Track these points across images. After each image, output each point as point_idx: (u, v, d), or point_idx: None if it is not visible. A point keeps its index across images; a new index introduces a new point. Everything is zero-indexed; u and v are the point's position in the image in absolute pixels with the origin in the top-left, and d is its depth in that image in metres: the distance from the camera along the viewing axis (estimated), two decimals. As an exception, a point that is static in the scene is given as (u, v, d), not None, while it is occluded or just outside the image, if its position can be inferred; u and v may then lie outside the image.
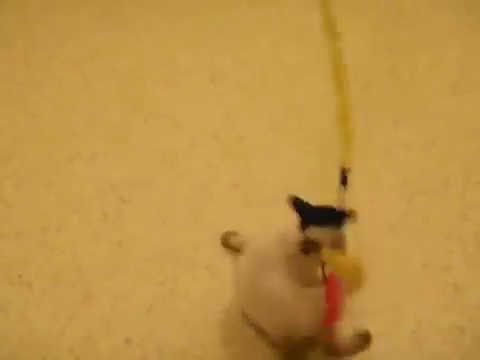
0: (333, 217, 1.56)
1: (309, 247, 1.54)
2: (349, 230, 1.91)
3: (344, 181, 1.57)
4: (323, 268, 1.58)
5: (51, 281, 1.88)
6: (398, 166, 2.13)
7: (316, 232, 1.54)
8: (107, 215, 2.03)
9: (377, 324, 1.76)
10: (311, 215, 1.56)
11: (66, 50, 2.56)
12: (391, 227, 1.97)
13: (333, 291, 1.59)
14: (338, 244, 1.58)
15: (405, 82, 2.36)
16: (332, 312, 1.59)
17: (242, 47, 2.55)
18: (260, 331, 1.71)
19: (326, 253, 1.55)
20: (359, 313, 1.77)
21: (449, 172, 2.09)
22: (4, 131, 2.29)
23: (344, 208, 1.57)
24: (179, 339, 1.75)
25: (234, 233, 1.91)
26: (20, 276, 1.89)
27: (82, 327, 1.78)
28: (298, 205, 1.56)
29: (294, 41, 2.53)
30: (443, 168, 2.11)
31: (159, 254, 1.92)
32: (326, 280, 1.58)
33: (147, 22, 2.68)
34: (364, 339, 1.71)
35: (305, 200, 1.57)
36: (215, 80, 2.42)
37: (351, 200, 1.98)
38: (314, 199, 1.95)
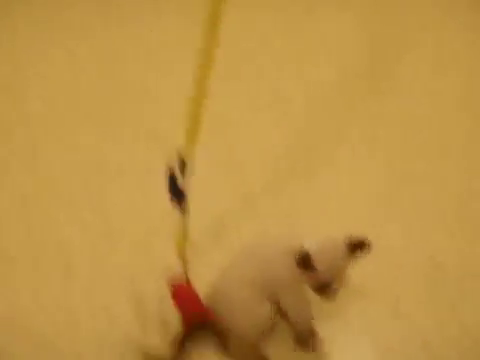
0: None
1: (306, 263, 1.52)
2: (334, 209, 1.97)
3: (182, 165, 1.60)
4: None
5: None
6: (382, 148, 2.16)
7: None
8: (90, 192, 2.04)
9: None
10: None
11: (52, 29, 2.57)
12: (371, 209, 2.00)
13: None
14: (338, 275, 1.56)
15: (387, 70, 2.40)
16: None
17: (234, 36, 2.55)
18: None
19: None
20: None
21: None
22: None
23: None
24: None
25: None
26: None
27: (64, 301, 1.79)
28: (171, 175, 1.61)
29: (268, 13, 2.54)
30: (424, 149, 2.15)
31: (142, 231, 1.94)
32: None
33: (131, 4, 2.69)
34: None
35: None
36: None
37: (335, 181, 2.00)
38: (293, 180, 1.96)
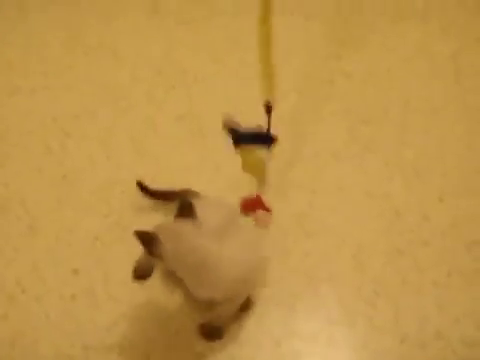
0: (261, 139, 1.77)
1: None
2: (293, 159, 1.99)
3: (268, 111, 1.76)
4: None
5: (-5, 215, 1.88)
6: (340, 96, 2.16)
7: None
8: (50, 149, 2.02)
9: (319, 248, 1.82)
10: (242, 136, 1.76)
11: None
12: (333, 155, 2.01)
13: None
14: None
15: (345, 14, 2.37)
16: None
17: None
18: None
19: (240, 151, 1.77)
20: (302, 237, 1.83)
21: (389, 100, 2.13)
22: None
23: (270, 133, 1.77)
24: (125, 269, 1.77)
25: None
26: (-37, 211, 1.89)
27: (28, 259, 1.79)
28: (231, 128, 1.76)
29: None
30: (382, 97, 2.15)
31: (104, 187, 1.93)
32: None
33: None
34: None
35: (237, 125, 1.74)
36: (157, 13, 2.39)
37: (295, 130, 2.03)
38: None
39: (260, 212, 1.85)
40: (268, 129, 1.78)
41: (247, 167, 1.82)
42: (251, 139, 1.78)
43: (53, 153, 2.01)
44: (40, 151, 2.02)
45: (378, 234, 1.85)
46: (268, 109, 1.76)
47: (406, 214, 1.89)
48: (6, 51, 2.27)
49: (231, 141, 1.78)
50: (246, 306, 1.70)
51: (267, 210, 1.86)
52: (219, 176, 1.94)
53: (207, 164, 1.95)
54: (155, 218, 1.84)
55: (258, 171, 1.86)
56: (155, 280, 1.75)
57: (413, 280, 1.77)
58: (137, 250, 1.77)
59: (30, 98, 2.14)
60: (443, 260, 1.81)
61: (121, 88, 2.17)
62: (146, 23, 2.36)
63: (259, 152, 1.80)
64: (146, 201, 1.88)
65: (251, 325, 1.69)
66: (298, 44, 2.26)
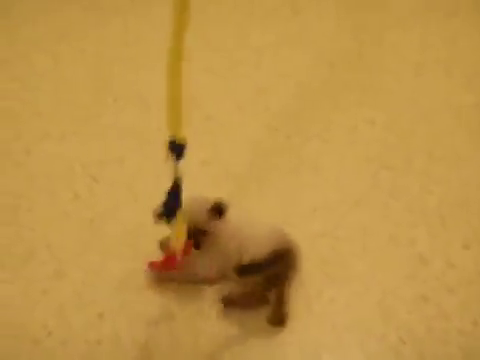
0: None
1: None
2: (317, 204, 2.00)
3: (178, 153, 1.63)
4: None
5: (22, 259, 1.89)
6: (363, 143, 2.18)
7: None
8: (78, 194, 2.05)
9: (344, 295, 1.82)
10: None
11: (33, 32, 2.56)
12: (357, 202, 2.02)
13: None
14: None
15: (369, 62, 2.41)
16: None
17: (209, 30, 2.58)
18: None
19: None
20: (326, 284, 1.83)
21: (412, 148, 2.15)
22: (-28, 112, 2.30)
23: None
24: (151, 313, 1.78)
25: None
26: (-9, 255, 1.91)
27: (54, 303, 1.80)
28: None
29: (260, 23, 2.56)
30: (406, 144, 2.16)
31: (130, 231, 1.95)
32: None
33: (115, 5, 2.69)
34: None
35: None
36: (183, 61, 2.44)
37: (318, 176, 2.05)
38: (279, 176, 2.02)
39: None
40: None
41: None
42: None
43: (80, 198, 2.04)
44: (67, 196, 2.05)
45: (403, 281, 1.84)
46: (177, 149, 1.63)
47: (431, 261, 1.88)
48: (37, 98, 2.33)
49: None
50: (280, 320, 1.73)
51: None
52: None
53: (232, 208, 1.97)
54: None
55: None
56: (182, 324, 1.76)
57: (439, 328, 1.76)
58: (163, 294, 1.80)
59: (59, 144, 2.19)
60: (469, 308, 1.79)
61: (148, 134, 2.21)
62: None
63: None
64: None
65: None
66: (322, 91, 2.30)
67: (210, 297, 1.80)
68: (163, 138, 2.16)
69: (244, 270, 1.68)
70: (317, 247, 1.91)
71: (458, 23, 2.51)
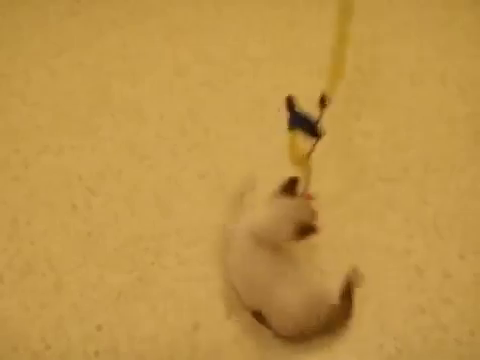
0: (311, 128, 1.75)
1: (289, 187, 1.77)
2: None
3: (322, 104, 1.74)
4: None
5: (21, 272, 1.91)
6: (359, 154, 2.19)
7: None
8: (76, 207, 2.06)
9: (341, 306, 1.83)
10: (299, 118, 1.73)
11: (31, 46, 2.58)
12: (354, 213, 2.03)
13: None
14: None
15: (366, 75, 2.42)
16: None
17: (206, 43, 2.59)
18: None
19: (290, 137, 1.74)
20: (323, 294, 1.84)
21: (408, 159, 2.16)
22: (-29, 127, 2.31)
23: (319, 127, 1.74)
24: (149, 325, 1.79)
25: None
26: (-10, 268, 1.92)
27: (53, 316, 1.81)
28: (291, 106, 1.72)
29: (257, 36, 2.58)
30: (403, 155, 2.18)
31: (128, 243, 1.96)
32: None
33: (112, 20, 2.70)
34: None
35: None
36: (180, 75, 2.46)
37: (315, 188, 2.06)
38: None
39: None
40: (317, 121, 1.74)
41: (293, 154, 1.80)
42: (305, 124, 1.74)
43: (78, 211, 2.05)
44: (66, 209, 2.06)
45: (399, 291, 1.85)
46: (323, 102, 1.74)
47: (427, 271, 1.89)
48: (36, 113, 2.34)
49: (288, 120, 1.74)
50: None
51: None
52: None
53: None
54: (179, 273, 1.88)
55: (303, 162, 1.84)
56: (180, 337, 1.76)
57: (435, 338, 1.76)
58: (161, 306, 1.81)
59: (57, 157, 2.20)
60: (465, 318, 1.80)
61: (145, 147, 2.22)
62: (169, 85, 2.43)
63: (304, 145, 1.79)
64: (169, 258, 1.91)
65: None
66: (318, 103, 2.31)
67: (206, 308, 1.82)
68: (159, 151, 2.20)
69: None
70: (315, 258, 1.92)
71: (453, 34, 2.53)
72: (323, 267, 1.90)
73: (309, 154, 1.80)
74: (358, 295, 1.82)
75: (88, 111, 2.34)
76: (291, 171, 1.81)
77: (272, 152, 2.13)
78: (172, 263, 1.91)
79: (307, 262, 1.89)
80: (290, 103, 1.71)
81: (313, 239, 1.91)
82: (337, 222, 2.00)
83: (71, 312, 1.82)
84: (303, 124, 1.73)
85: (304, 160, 1.82)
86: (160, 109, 2.34)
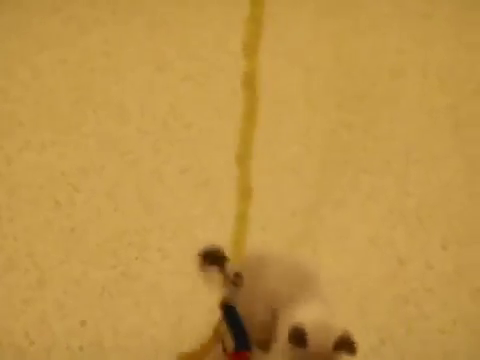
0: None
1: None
2: (296, 208, 2.02)
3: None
4: None
5: (4, 268, 1.90)
6: (341, 146, 2.20)
7: None
8: (59, 203, 2.06)
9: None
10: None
11: (13, 44, 2.56)
12: (336, 204, 2.04)
13: None
14: None
15: (346, 66, 2.43)
16: None
17: (188, 39, 2.59)
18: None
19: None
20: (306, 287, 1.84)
21: (390, 151, 2.17)
22: (-47, 124, 2.30)
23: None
24: (133, 320, 1.79)
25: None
26: (-27, 265, 1.91)
27: (37, 311, 1.81)
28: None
29: (237, 31, 2.58)
30: (384, 147, 2.19)
31: (111, 239, 1.96)
32: None
33: (95, 18, 2.69)
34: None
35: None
36: (162, 70, 2.46)
37: (297, 180, 2.07)
38: (258, 181, 2.04)
39: None
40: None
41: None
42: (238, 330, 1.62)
43: (61, 207, 2.05)
44: (49, 205, 2.05)
45: (382, 282, 1.87)
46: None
47: (410, 262, 1.91)
48: (18, 109, 2.33)
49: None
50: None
51: None
52: (223, 226, 1.97)
53: (212, 215, 1.99)
54: (163, 268, 1.89)
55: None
56: (165, 331, 1.77)
57: (419, 328, 1.78)
58: (144, 301, 1.81)
59: (39, 153, 2.19)
60: (448, 308, 1.81)
61: (128, 142, 2.22)
62: (151, 80, 2.43)
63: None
64: (152, 252, 1.91)
65: None
66: (299, 95, 2.32)
67: (190, 302, 1.82)
68: (142, 147, 2.20)
69: None
70: (297, 249, 1.93)
71: (433, 26, 2.54)
72: (306, 258, 1.91)
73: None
74: (342, 287, 1.83)
75: (70, 107, 2.33)
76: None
77: (254, 145, 2.14)
78: (155, 258, 1.91)
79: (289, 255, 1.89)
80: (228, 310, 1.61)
81: (297, 230, 1.93)
82: (319, 213, 2.01)
83: (55, 308, 1.82)
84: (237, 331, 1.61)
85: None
86: (142, 105, 2.34)
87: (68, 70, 2.47)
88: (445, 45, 2.48)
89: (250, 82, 1.72)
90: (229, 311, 1.61)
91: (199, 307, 1.80)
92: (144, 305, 1.81)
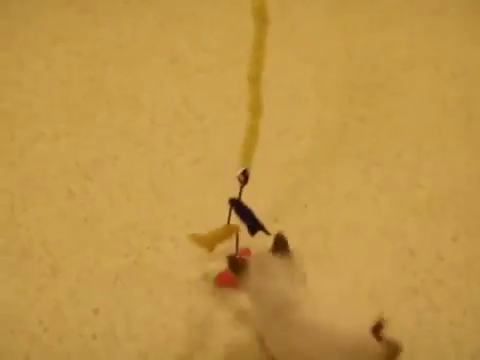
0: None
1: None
2: (308, 201, 2.03)
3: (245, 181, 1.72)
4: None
5: (18, 257, 1.92)
6: (353, 139, 2.21)
7: None
8: (72, 193, 2.07)
9: (336, 288, 1.84)
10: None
11: (27, 36, 2.59)
12: (347, 197, 2.05)
13: None
14: None
15: (358, 61, 2.44)
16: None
17: (201, 31, 2.61)
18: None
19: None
20: (319, 277, 1.85)
21: (402, 143, 2.18)
22: (-34, 114, 2.33)
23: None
24: (145, 308, 1.81)
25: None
26: (-13, 253, 1.94)
27: (50, 299, 1.83)
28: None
29: (250, 24, 2.58)
30: (396, 140, 2.20)
31: (124, 228, 1.97)
32: None
33: (108, 9, 2.71)
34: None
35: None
36: (175, 62, 2.48)
37: (309, 173, 2.08)
38: (270, 173, 2.05)
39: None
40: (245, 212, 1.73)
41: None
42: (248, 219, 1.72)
43: (75, 197, 2.07)
44: (62, 195, 2.07)
45: (393, 273, 1.87)
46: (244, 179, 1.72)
47: (420, 253, 1.91)
48: (32, 100, 2.35)
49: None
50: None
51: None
52: (235, 217, 1.98)
53: (223, 205, 2.00)
54: (175, 257, 1.90)
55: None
56: (176, 319, 1.78)
57: (429, 319, 1.78)
58: (157, 289, 1.82)
59: (53, 144, 2.21)
60: (458, 299, 1.82)
61: (141, 133, 2.24)
62: (165, 72, 2.45)
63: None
64: (165, 242, 1.93)
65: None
66: (311, 89, 2.33)
67: (202, 291, 1.84)
68: (154, 138, 2.21)
69: None
70: (309, 242, 1.94)
71: (445, 21, 2.55)
72: (317, 251, 1.92)
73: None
74: (352, 278, 1.84)
75: (84, 99, 2.35)
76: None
77: (266, 137, 2.15)
78: (168, 247, 1.92)
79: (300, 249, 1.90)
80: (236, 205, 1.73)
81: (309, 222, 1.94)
82: (331, 206, 2.02)
83: (68, 296, 1.83)
84: (246, 218, 1.72)
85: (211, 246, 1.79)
86: (155, 96, 2.36)
87: (82, 62, 2.50)
88: (456, 39, 2.48)
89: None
90: (236, 204, 1.73)
91: (211, 296, 1.82)
92: (156, 294, 1.83)
